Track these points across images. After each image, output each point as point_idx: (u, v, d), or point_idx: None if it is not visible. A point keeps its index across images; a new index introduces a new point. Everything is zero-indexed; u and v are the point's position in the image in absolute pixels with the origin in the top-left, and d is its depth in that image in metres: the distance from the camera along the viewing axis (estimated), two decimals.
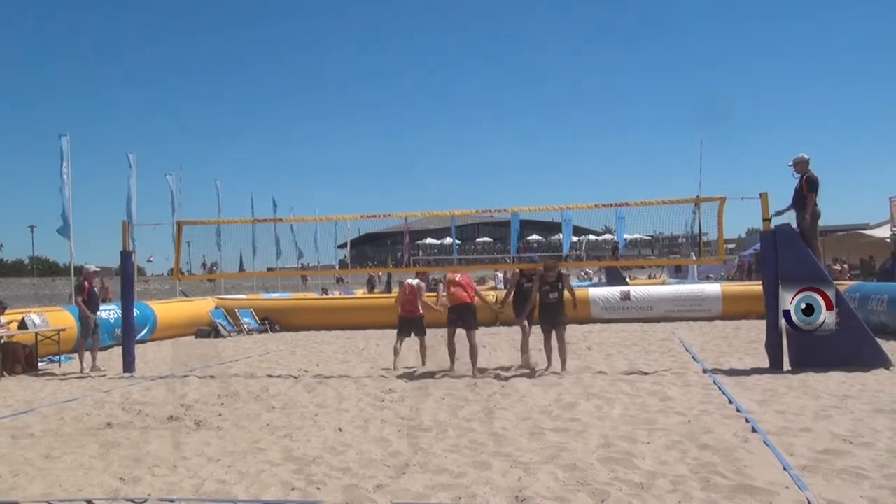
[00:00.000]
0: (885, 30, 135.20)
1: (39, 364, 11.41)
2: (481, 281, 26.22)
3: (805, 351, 8.65)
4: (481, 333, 10.14)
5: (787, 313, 8.73)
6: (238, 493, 4.43)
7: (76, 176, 18.45)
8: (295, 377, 9.48)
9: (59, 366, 11.70)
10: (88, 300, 11.06)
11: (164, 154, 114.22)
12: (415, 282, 10.30)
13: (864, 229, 28.83)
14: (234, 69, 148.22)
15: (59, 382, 9.76)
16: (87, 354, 10.99)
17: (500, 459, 4.92)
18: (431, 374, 9.27)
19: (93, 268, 11.68)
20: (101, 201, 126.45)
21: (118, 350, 11.73)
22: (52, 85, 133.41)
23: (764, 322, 9.28)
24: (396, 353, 10.18)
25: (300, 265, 26.14)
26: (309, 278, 37.53)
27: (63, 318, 12.76)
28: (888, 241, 22.92)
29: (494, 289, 22.04)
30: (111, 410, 7.42)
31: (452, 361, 9.43)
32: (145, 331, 15.30)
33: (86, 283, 11.15)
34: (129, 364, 10.69)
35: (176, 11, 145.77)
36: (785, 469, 4.44)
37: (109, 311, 14.55)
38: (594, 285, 23.11)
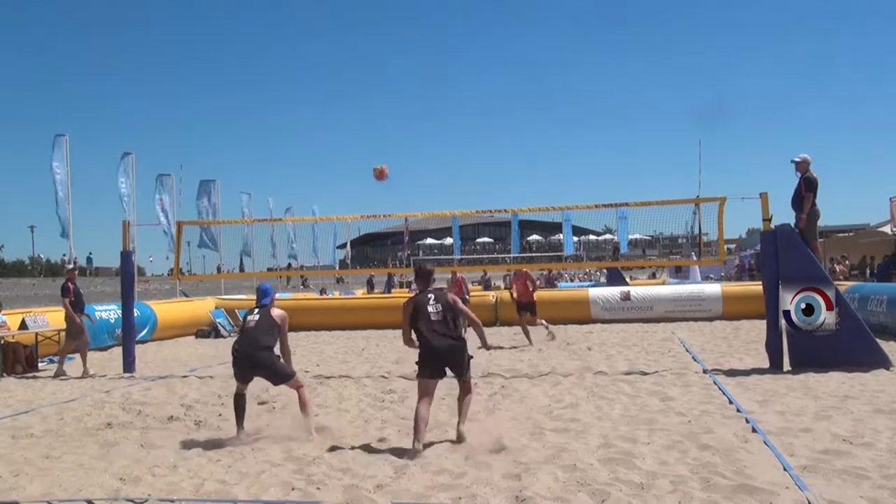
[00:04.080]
0: (885, 29, 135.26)
1: (39, 364, 11.38)
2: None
3: (805, 351, 8.65)
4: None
5: (787, 313, 8.73)
6: (238, 493, 4.43)
7: (76, 175, 18.48)
8: None
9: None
10: (75, 300, 10.66)
11: (164, 153, 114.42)
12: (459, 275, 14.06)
13: (864, 229, 28.82)
14: (235, 68, 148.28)
15: (59, 382, 9.75)
16: (77, 359, 10.76)
17: (500, 459, 4.91)
18: None
19: (77, 265, 11.22)
20: (102, 201, 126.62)
21: (118, 350, 11.72)
22: (52, 84, 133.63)
23: (764, 322, 9.27)
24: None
25: (290, 265, 26.13)
26: (308, 279, 37.53)
27: (63, 319, 12.71)
28: (890, 239, 22.91)
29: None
30: (111, 410, 7.41)
31: None
32: (145, 331, 15.28)
33: (70, 284, 10.69)
34: (129, 364, 10.68)
35: (176, 10, 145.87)
36: (785, 469, 4.44)
37: (110, 311, 14.55)
38: (595, 285, 23.10)
